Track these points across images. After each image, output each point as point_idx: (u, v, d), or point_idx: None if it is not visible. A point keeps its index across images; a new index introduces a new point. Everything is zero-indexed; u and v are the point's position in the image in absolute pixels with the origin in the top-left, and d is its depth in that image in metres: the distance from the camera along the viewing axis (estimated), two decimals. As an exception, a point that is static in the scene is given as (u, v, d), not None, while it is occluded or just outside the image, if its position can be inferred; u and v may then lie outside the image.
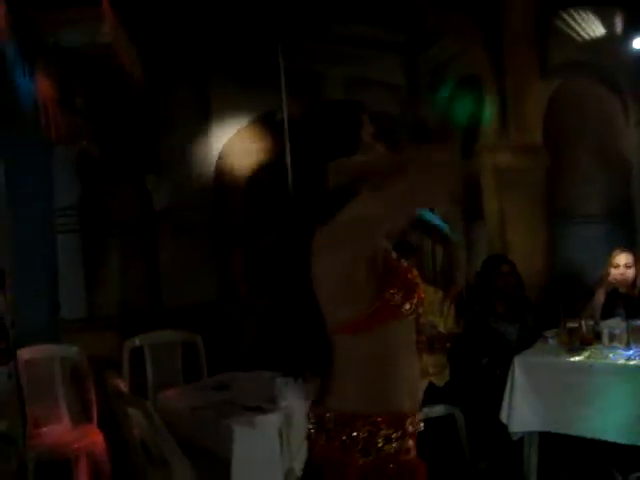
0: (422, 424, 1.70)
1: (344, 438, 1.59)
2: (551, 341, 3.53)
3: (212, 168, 5.41)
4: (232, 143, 5.45)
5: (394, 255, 1.68)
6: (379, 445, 1.58)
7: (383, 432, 1.59)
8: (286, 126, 4.61)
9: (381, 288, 1.58)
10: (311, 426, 1.66)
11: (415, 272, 1.68)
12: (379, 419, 1.59)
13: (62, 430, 3.76)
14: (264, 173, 5.30)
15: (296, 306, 1.67)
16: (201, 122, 5.37)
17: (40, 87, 3.38)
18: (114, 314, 4.87)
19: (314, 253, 1.58)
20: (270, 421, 2.38)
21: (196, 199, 5.30)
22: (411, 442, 1.62)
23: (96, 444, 3.62)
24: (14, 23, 3.28)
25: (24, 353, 3.78)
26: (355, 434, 1.58)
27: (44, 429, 3.68)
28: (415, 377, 1.70)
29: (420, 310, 1.69)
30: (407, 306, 1.61)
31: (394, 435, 1.59)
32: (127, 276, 5.04)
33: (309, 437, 1.67)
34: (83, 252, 4.92)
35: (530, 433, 3.27)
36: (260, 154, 5.35)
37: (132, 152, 4.99)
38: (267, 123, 5.14)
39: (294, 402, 2.42)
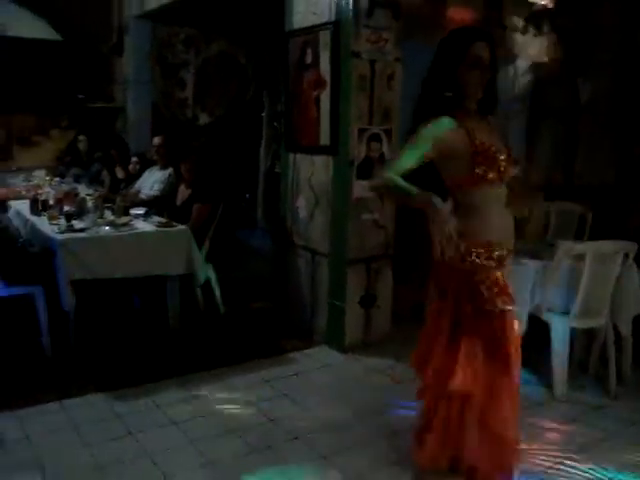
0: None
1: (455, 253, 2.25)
2: None
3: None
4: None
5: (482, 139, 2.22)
6: (471, 258, 2.27)
7: (475, 250, 2.27)
8: None
9: (470, 165, 2.21)
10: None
11: (495, 148, 2.20)
12: (472, 243, 2.25)
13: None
14: None
15: None
16: None
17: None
18: (538, 184, 5.98)
19: None
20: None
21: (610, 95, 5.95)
22: (493, 263, 2.27)
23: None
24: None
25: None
26: (460, 248, 2.25)
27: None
28: (501, 224, 2.29)
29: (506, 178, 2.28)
30: (490, 175, 2.21)
31: (482, 253, 2.26)
32: (553, 154, 6.09)
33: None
34: (527, 133, 6.15)
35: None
36: None
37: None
38: None
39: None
